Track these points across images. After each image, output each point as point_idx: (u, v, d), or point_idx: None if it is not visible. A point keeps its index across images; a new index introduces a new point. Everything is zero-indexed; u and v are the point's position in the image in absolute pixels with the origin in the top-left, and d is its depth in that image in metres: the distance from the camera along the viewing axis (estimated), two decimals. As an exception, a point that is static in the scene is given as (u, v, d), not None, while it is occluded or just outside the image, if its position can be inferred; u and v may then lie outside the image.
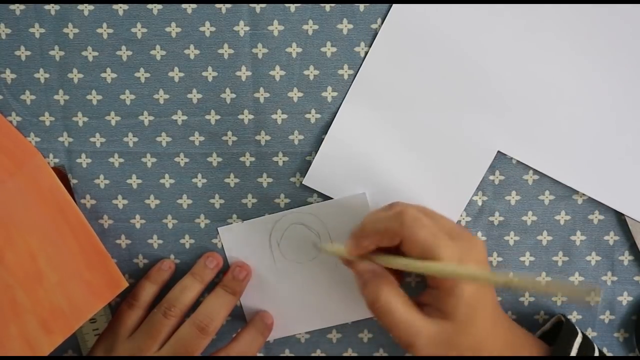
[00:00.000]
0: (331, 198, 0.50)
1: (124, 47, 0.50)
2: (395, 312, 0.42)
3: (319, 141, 0.50)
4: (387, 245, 0.44)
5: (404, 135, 0.50)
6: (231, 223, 0.51)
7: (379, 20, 0.49)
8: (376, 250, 0.44)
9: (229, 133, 0.50)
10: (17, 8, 0.49)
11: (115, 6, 0.49)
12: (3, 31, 0.49)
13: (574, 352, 0.45)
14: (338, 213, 0.50)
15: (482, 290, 0.43)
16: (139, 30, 0.49)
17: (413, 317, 0.43)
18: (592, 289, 0.35)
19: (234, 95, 0.50)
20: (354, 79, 0.49)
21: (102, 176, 0.51)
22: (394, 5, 0.48)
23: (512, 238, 0.51)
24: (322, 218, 0.50)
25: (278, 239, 0.51)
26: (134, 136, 0.50)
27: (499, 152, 0.50)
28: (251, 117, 0.50)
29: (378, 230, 0.44)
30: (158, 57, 0.50)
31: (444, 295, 0.42)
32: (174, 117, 0.50)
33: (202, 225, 0.51)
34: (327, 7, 0.49)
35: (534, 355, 0.46)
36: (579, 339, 0.46)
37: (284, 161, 0.51)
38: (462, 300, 0.42)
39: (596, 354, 0.46)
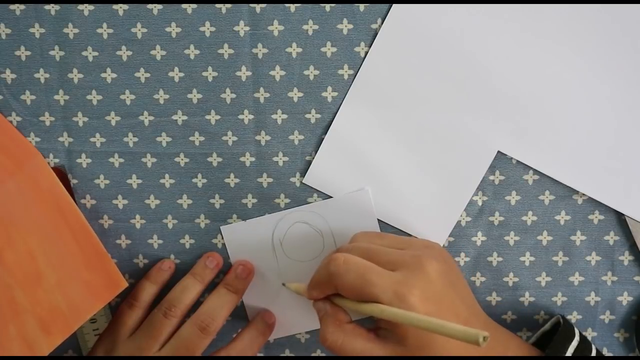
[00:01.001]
0: (331, 197, 0.50)
1: (124, 47, 0.50)
2: (344, 347, 0.42)
3: (319, 141, 0.50)
4: (333, 292, 0.44)
5: (404, 135, 0.50)
6: (231, 223, 0.51)
7: (379, 20, 0.49)
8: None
9: (229, 133, 0.50)
10: (17, 8, 0.49)
11: (115, 6, 0.49)
12: (3, 31, 0.49)
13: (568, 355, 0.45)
14: (341, 211, 0.50)
15: (439, 314, 0.40)
16: (139, 30, 0.49)
17: (364, 346, 0.42)
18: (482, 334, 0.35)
19: (234, 95, 0.50)
20: (354, 79, 0.50)
21: (102, 176, 0.51)
22: (394, 5, 0.48)
23: (512, 238, 0.51)
24: (325, 216, 0.50)
25: (280, 237, 0.51)
26: (134, 136, 0.50)
27: (499, 152, 0.50)
28: (251, 117, 0.50)
29: (316, 282, 0.45)
30: (158, 57, 0.50)
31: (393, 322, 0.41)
32: (174, 117, 0.50)
33: (202, 225, 0.51)
34: (327, 7, 0.49)
35: (527, 356, 0.45)
36: (574, 342, 0.46)
37: (284, 161, 0.51)
38: (411, 327, 0.40)
39: (593, 354, 0.46)
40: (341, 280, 0.42)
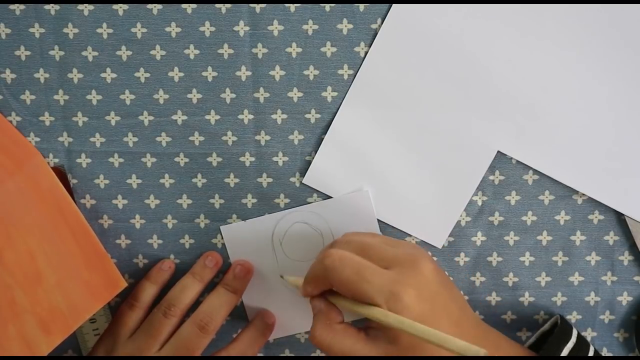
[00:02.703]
0: (331, 197, 0.50)
1: (124, 47, 0.50)
2: (332, 346, 0.42)
3: (319, 141, 0.50)
4: (328, 288, 0.44)
5: (404, 135, 0.50)
6: (231, 223, 0.51)
7: (379, 20, 0.49)
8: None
9: (229, 133, 0.50)
10: (17, 8, 0.49)
11: (115, 6, 0.49)
12: (3, 31, 0.49)
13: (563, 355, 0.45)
14: (341, 211, 0.50)
15: (432, 314, 0.41)
16: (139, 30, 0.49)
17: (353, 346, 0.42)
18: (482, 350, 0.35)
19: (234, 95, 0.50)
20: (354, 79, 0.50)
21: (102, 176, 0.51)
22: (394, 5, 0.48)
23: (512, 238, 0.51)
24: (324, 216, 0.50)
25: (280, 237, 0.51)
26: (134, 136, 0.50)
27: (499, 152, 0.50)
28: (251, 117, 0.50)
29: (311, 277, 0.44)
30: (158, 57, 0.50)
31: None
32: (174, 117, 0.50)
33: (202, 225, 0.51)
34: (327, 7, 0.49)
35: (522, 356, 0.45)
36: (570, 344, 0.46)
37: (284, 161, 0.51)
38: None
39: (591, 354, 0.46)
40: (336, 275, 0.42)
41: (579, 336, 0.47)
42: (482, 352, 0.35)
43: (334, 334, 0.42)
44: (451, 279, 0.51)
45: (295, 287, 0.48)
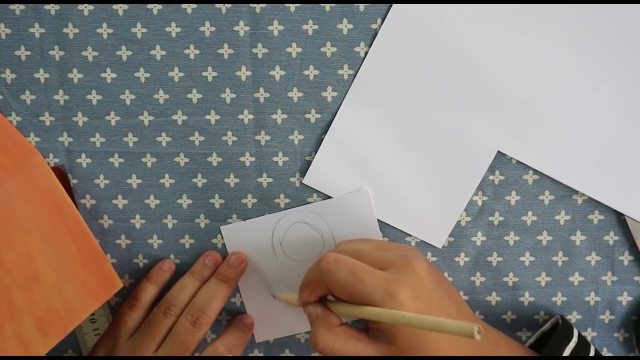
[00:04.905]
0: (331, 197, 0.50)
1: (124, 47, 0.50)
2: (335, 350, 0.42)
3: (319, 141, 0.50)
4: (324, 294, 0.44)
5: (404, 135, 0.50)
6: (231, 223, 0.51)
7: (379, 20, 0.49)
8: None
9: (229, 133, 0.50)
10: (17, 8, 0.49)
11: (115, 6, 0.49)
12: (3, 31, 0.49)
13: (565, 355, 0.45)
14: (341, 211, 0.50)
15: (429, 312, 0.41)
16: (139, 30, 0.49)
17: (355, 347, 0.42)
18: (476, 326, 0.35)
19: (234, 95, 0.50)
20: (354, 79, 0.50)
21: (102, 176, 0.51)
22: (394, 5, 0.49)
23: (512, 238, 0.51)
24: (324, 216, 0.50)
25: (280, 237, 0.51)
26: (134, 136, 0.50)
27: (499, 152, 0.50)
28: (251, 117, 0.50)
29: (307, 282, 0.44)
30: (158, 57, 0.50)
31: (384, 323, 0.41)
32: (174, 117, 0.50)
33: (202, 225, 0.51)
34: (327, 7, 0.49)
35: (523, 355, 0.45)
36: (572, 343, 0.46)
37: (284, 161, 0.51)
38: (401, 327, 0.40)
39: (592, 354, 0.46)
40: (332, 277, 0.42)
41: (580, 336, 0.47)
42: (475, 327, 0.35)
43: (335, 337, 0.42)
44: (450, 279, 0.51)
45: (287, 303, 0.48)
